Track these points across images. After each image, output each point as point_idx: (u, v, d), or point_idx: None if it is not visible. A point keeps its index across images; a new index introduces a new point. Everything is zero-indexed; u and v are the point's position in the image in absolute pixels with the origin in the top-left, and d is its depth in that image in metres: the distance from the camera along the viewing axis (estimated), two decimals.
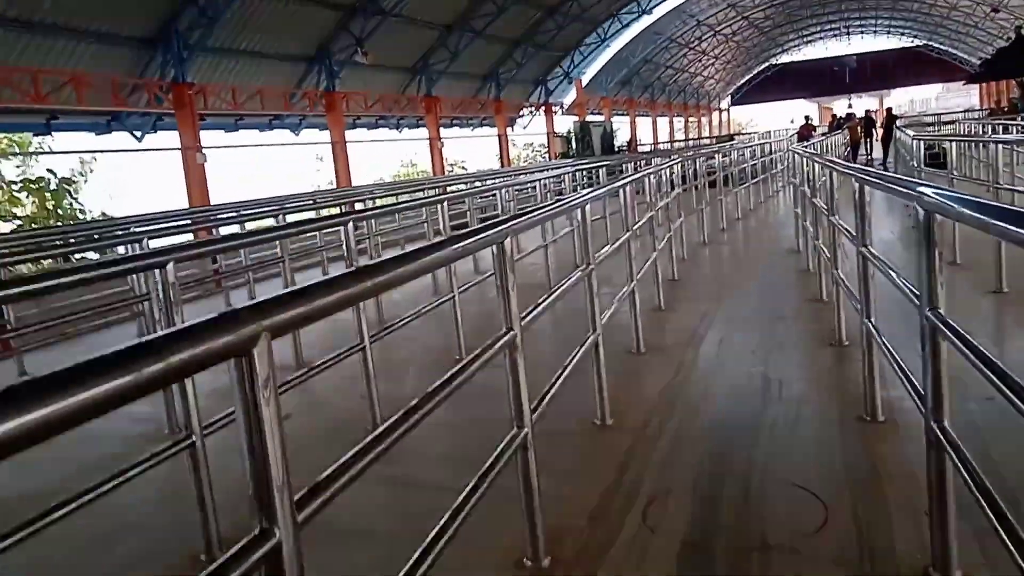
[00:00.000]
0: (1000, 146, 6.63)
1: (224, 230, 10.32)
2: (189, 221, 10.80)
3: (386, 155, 35.85)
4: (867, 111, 33.29)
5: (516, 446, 2.46)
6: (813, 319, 5.85)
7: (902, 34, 57.40)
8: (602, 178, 12.26)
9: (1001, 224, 1.43)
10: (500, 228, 2.50)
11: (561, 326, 5.91)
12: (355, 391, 4.41)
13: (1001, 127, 13.79)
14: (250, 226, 8.48)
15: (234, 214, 9.98)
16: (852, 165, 4.04)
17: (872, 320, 3.49)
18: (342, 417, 4.60)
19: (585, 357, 3.71)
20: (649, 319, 6.02)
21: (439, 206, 6.40)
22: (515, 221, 2.69)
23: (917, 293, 2.24)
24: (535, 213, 3.07)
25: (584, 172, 15.52)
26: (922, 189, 2.10)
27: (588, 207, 4.16)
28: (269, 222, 8.03)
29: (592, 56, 38.83)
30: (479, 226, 2.50)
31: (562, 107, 38.04)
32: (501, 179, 15.60)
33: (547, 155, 37.70)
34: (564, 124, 36.72)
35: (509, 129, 34.73)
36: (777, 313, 6.17)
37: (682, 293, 7.29)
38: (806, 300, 6.45)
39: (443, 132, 29.43)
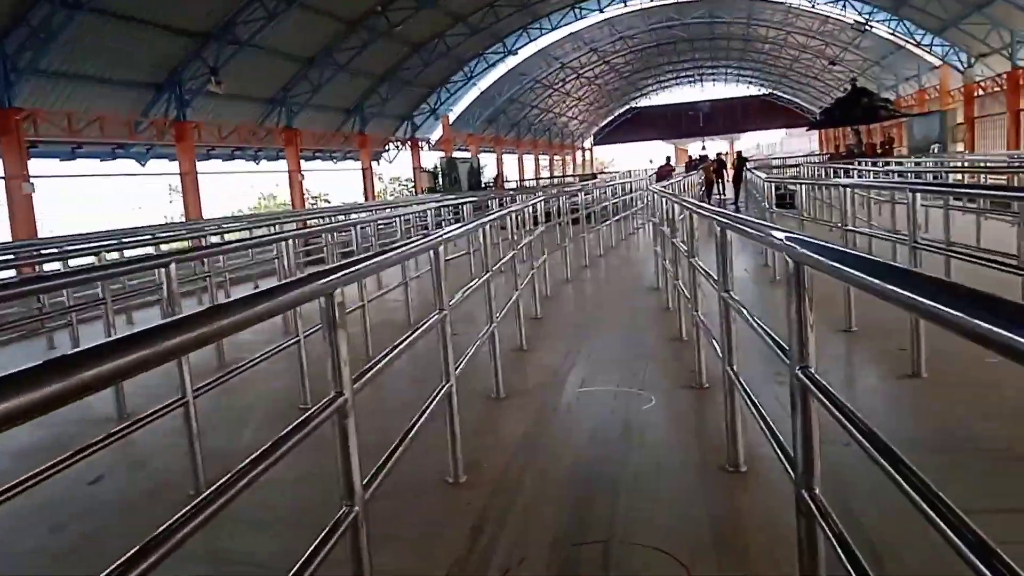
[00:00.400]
0: (847, 190, 6.84)
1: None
2: (12, 256, 9.79)
3: (244, 187, 34.47)
4: (718, 154, 35.06)
5: (346, 526, 2.11)
6: (674, 358, 5.79)
7: (750, 83, 61.39)
8: (468, 214, 12.07)
9: (875, 281, 1.33)
10: (328, 279, 2.15)
11: (418, 364, 5.58)
12: (182, 447, 3.90)
13: (843, 171, 14.63)
14: (77, 262, 7.66)
15: (55, 250, 9.05)
16: (716, 209, 3.96)
17: (734, 367, 3.37)
18: (163, 478, 4.08)
19: (440, 406, 3.41)
20: (510, 360, 5.80)
21: (286, 243, 5.96)
22: (345, 271, 2.32)
23: (786, 348, 2.07)
24: (370, 261, 2.72)
25: (451, 207, 15.32)
26: (791, 240, 1.95)
27: (442, 248, 3.89)
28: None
29: (459, 94, 39.07)
30: (303, 275, 2.14)
31: (429, 143, 37.95)
32: (364, 213, 15.17)
33: (414, 190, 37.43)
34: (431, 160, 36.64)
35: (375, 163, 34.24)
36: (638, 352, 6.08)
37: (545, 331, 7.14)
38: (667, 339, 6.40)
39: (305, 165, 28.61)
